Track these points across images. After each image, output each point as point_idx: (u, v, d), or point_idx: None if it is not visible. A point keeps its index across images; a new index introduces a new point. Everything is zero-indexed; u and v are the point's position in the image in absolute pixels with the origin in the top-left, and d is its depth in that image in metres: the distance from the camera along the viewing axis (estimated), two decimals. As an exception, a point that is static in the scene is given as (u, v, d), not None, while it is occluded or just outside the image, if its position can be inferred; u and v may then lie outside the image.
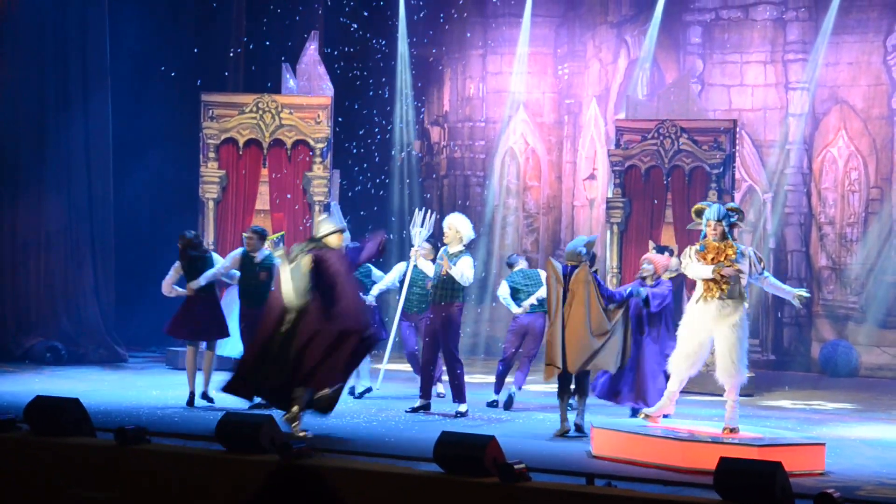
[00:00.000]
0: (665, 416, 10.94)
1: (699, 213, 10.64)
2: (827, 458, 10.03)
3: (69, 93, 17.22)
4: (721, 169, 15.88)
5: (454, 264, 12.67)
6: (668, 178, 16.13)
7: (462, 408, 12.72)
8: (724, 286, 10.33)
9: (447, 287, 12.75)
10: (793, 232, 18.52)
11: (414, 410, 12.81)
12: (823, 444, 10.20)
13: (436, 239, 13.88)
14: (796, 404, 14.76)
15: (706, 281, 10.40)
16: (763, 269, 10.52)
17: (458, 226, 12.91)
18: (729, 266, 10.35)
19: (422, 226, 13.74)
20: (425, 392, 12.95)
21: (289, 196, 16.95)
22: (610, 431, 10.48)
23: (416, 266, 13.72)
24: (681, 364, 10.52)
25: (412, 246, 13.74)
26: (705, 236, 10.52)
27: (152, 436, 9.03)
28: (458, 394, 12.81)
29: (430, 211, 13.94)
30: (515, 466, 7.34)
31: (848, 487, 8.87)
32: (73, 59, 17.27)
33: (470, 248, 13.17)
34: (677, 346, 10.61)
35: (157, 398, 13.22)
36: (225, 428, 8.42)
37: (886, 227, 17.85)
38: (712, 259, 10.40)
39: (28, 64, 17.02)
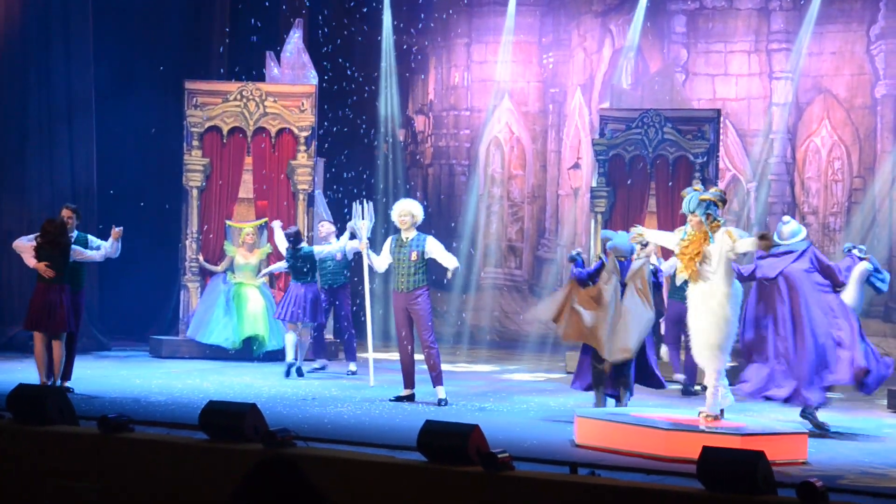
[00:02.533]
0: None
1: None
2: (809, 448, 10.05)
3: (52, 76, 17.16)
4: (705, 158, 15.91)
5: (421, 249, 12.74)
6: (652, 167, 16.15)
7: (441, 392, 12.72)
8: (690, 269, 10.28)
9: (414, 272, 12.79)
10: (776, 221, 18.55)
11: (398, 399, 12.80)
12: (806, 434, 10.23)
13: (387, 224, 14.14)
14: (779, 393, 14.77)
15: (680, 265, 10.38)
16: (734, 241, 10.28)
17: (414, 211, 12.97)
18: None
19: (363, 218, 13.87)
20: (409, 382, 12.93)
21: (273, 184, 16.94)
22: (593, 420, 10.50)
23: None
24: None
25: (360, 240, 13.81)
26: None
27: (135, 424, 9.02)
28: (438, 379, 12.81)
29: (366, 201, 14.08)
30: (499, 455, 7.34)
31: (830, 476, 8.90)
32: (56, 45, 17.20)
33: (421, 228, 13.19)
34: (693, 337, 10.40)
35: (140, 386, 13.20)
36: (209, 416, 8.41)
37: (869, 216, 17.89)
38: (686, 246, 10.35)
39: (11, 53, 16.97)
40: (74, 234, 12.93)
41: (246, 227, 16.58)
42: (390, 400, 12.74)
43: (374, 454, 8.39)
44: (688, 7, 19.22)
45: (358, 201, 14.15)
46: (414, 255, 12.78)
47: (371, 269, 13.68)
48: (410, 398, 12.82)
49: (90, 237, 13.23)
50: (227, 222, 16.85)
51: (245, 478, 3.84)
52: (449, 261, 12.81)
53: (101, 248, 13.04)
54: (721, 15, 18.99)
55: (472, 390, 13.92)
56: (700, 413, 10.30)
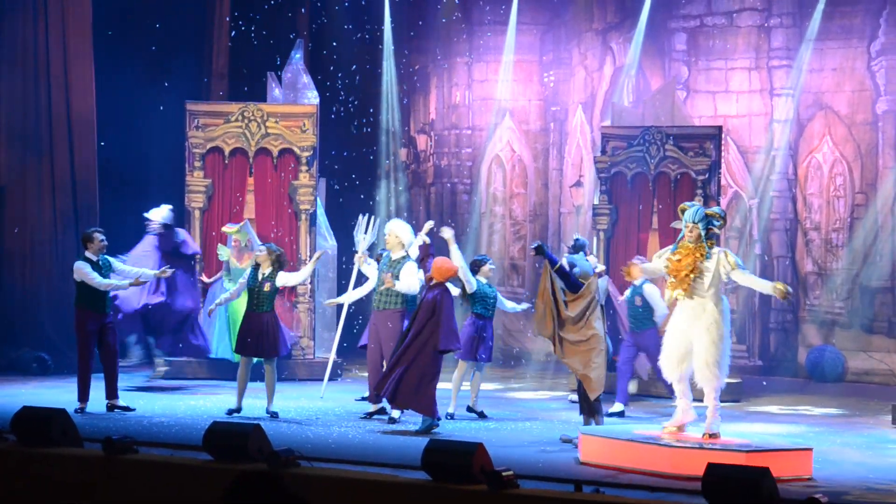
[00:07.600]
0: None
1: (684, 212, 10.67)
2: (814, 464, 10.04)
3: (53, 99, 17.16)
4: (707, 175, 15.92)
5: (397, 272, 12.68)
6: (654, 184, 16.16)
7: (395, 413, 12.63)
8: (684, 285, 10.34)
9: (390, 293, 12.77)
10: (778, 238, 18.55)
11: (369, 416, 12.75)
12: (811, 450, 10.21)
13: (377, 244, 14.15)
14: (783, 410, 14.79)
15: (670, 280, 10.44)
16: (733, 268, 10.41)
17: (398, 232, 12.90)
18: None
19: (365, 232, 13.87)
20: (376, 397, 12.87)
21: (275, 205, 16.95)
22: (598, 438, 10.49)
23: (359, 270, 13.78)
24: (677, 366, 10.47)
25: (355, 251, 13.80)
26: (683, 237, 10.54)
27: (140, 445, 9.02)
28: None
29: (372, 216, 14.06)
30: (503, 473, 7.34)
31: (835, 493, 8.89)
32: (56, 66, 17.21)
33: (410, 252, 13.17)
34: (665, 348, 10.58)
35: (143, 407, 13.19)
36: (212, 437, 8.41)
37: (871, 232, 17.88)
38: (678, 261, 10.41)
39: (12, 75, 17.01)
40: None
41: (231, 231, 16.33)
42: (360, 418, 12.71)
43: (378, 473, 8.38)
44: (688, 25, 19.24)
45: (363, 214, 14.15)
46: (389, 276, 12.71)
47: (359, 280, 13.65)
48: (381, 412, 12.77)
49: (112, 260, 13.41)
50: (222, 229, 16.65)
51: (224, 496, 3.82)
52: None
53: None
54: (721, 32, 19.01)
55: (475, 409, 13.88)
56: (704, 434, 10.33)
